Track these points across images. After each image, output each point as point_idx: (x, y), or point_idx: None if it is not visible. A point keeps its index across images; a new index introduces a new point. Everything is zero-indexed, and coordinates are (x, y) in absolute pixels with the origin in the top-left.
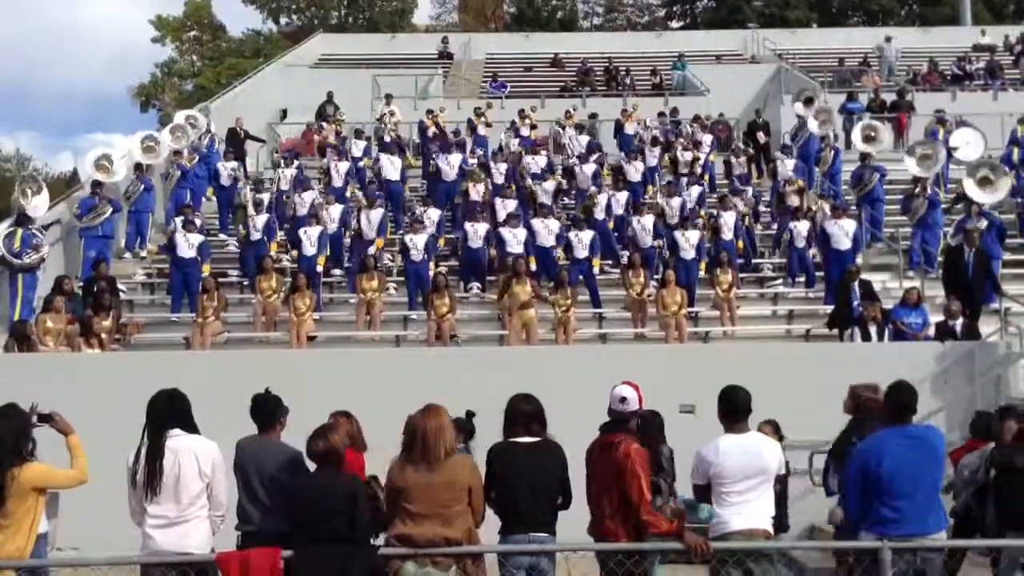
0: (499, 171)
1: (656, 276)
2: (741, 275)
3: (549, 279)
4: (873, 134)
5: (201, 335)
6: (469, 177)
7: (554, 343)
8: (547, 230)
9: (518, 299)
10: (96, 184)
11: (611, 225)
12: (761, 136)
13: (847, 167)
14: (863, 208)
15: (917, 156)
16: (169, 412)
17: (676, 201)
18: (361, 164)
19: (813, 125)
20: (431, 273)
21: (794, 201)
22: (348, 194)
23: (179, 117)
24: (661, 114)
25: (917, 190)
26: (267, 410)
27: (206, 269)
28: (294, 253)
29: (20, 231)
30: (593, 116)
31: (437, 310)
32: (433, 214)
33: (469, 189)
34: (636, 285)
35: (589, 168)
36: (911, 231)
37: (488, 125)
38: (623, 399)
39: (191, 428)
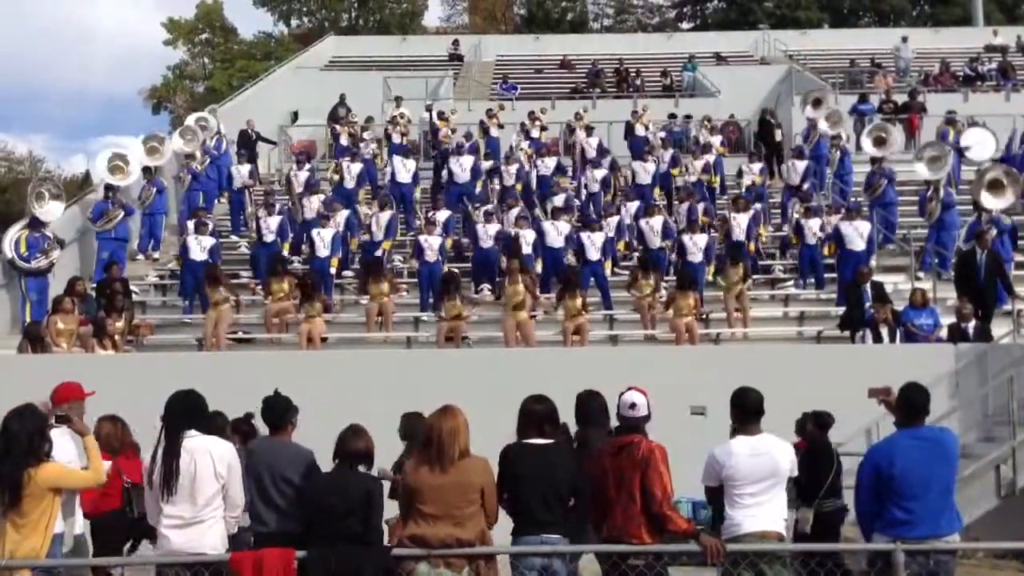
0: (509, 173)
1: (667, 278)
2: (752, 276)
3: (559, 281)
4: (884, 135)
5: (215, 329)
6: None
7: (559, 345)
8: (556, 231)
9: (511, 300)
10: (108, 188)
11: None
12: (778, 134)
13: (858, 168)
14: (874, 211)
15: (926, 159)
16: (186, 413)
17: (684, 206)
18: (373, 164)
19: (824, 126)
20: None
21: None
22: (359, 196)
23: (190, 119)
24: (671, 116)
25: (930, 192)
26: (278, 412)
27: None
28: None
29: (26, 235)
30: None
31: (448, 311)
32: (440, 215)
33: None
34: (646, 287)
35: (600, 172)
36: (927, 232)
37: (500, 127)
38: (633, 405)
39: (207, 429)
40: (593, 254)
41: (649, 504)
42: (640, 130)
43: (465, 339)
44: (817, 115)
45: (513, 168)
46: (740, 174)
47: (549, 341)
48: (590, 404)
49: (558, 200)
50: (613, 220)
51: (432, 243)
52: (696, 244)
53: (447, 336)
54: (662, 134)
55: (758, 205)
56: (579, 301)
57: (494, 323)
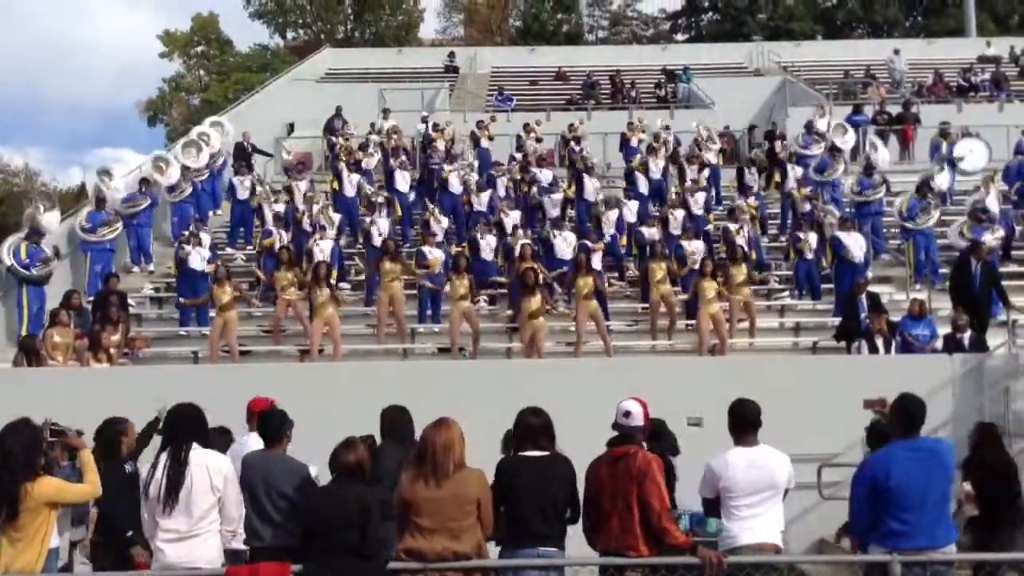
0: (502, 183)
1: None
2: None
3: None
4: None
5: (224, 337)
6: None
7: (559, 355)
8: (566, 243)
9: (528, 308)
10: (101, 199)
11: (622, 241)
12: (778, 145)
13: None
14: (868, 221)
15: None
16: (190, 426)
17: (680, 212)
18: (371, 175)
19: (828, 137)
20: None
21: (805, 207)
22: (362, 208)
23: (193, 133)
24: (666, 128)
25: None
26: (273, 425)
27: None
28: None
29: (26, 244)
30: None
31: (455, 291)
32: (438, 228)
33: (472, 200)
34: (659, 271)
35: (595, 182)
36: (912, 239)
37: (491, 138)
38: (627, 413)
39: (206, 443)
40: (593, 264)
41: (648, 517)
42: (635, 142)
43: (462, 350)
44: (821, 126)
45: (505, 179)
46: (740, 173)
47: (550, 352)
48: (394, 418)
49: (556, 197)
50: (612, 214)
51: (437, 254)
52: (691, 251)
53: (459, 317)
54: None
55: (752, 199)
56: (591, 279)
57: (491, 334)
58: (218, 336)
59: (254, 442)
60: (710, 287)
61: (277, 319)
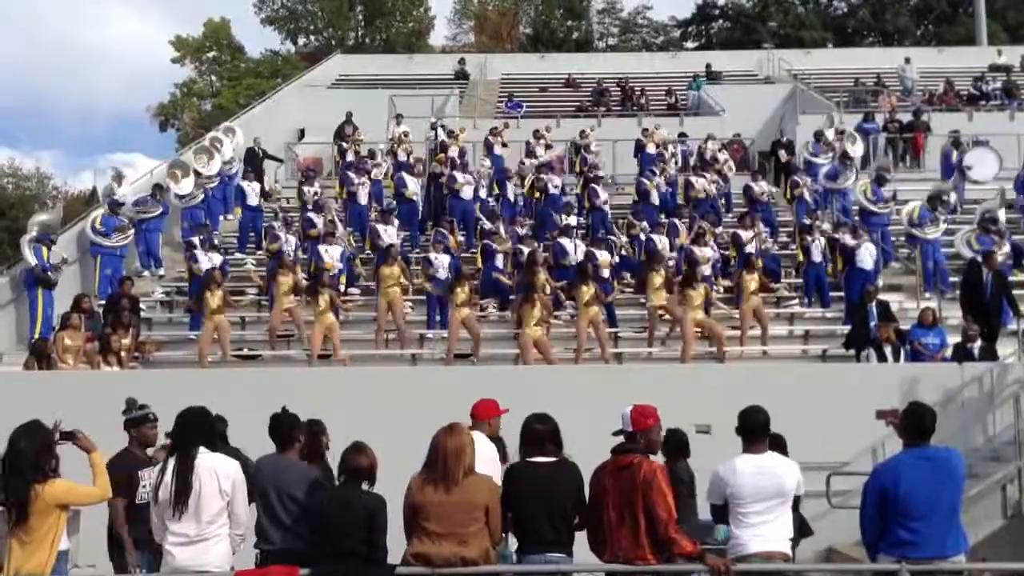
0: (517, 187)
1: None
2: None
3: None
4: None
5: (219, 342)
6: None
7: (561, 361)
8: (574, 248)
9: (530, 316)
10: (114, 204)
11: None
12: (783, 154)
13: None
14: (876, 230)
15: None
16: (199, 430)
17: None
18: (380, 184)
19: (838, 146)
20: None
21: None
22: (372, 214)
23: (206, 139)
24: (682, 135)
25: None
26: (285, 429)
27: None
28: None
29: (46, 248)
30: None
31: (456, 297)
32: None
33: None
34: (657, 279)
35: (605, 191)
36: (920, 247)
37: (504, 145)
38: (622, 418)
39: (214, 446)
40: (601, 271)
41: (655, 527)
42: (651, 148)
43: (470, 356)
44: (830, 135)
45: (516, 186)
46: (748, 191)
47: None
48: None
49: (571, 221)
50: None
51: (442, 260)
52: (704, 256)
53: (457, 324)
54: (676, 153)
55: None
56: (593, 289)
57: (498, 340)
58: (208, 341)
59: (484, 442)
60: (696, 295)
61: (272, 327)
